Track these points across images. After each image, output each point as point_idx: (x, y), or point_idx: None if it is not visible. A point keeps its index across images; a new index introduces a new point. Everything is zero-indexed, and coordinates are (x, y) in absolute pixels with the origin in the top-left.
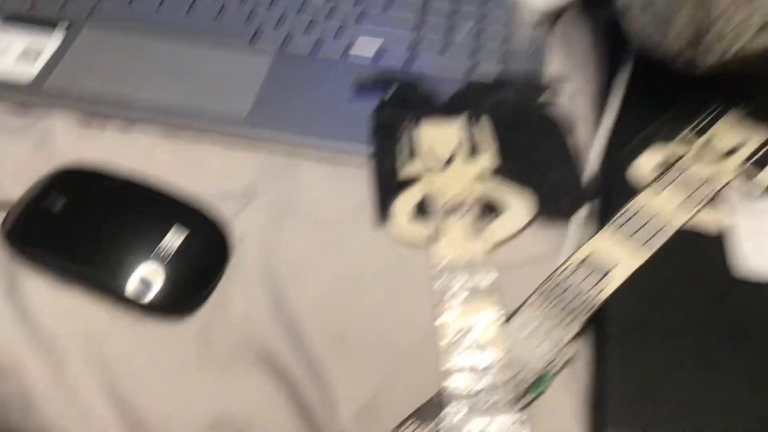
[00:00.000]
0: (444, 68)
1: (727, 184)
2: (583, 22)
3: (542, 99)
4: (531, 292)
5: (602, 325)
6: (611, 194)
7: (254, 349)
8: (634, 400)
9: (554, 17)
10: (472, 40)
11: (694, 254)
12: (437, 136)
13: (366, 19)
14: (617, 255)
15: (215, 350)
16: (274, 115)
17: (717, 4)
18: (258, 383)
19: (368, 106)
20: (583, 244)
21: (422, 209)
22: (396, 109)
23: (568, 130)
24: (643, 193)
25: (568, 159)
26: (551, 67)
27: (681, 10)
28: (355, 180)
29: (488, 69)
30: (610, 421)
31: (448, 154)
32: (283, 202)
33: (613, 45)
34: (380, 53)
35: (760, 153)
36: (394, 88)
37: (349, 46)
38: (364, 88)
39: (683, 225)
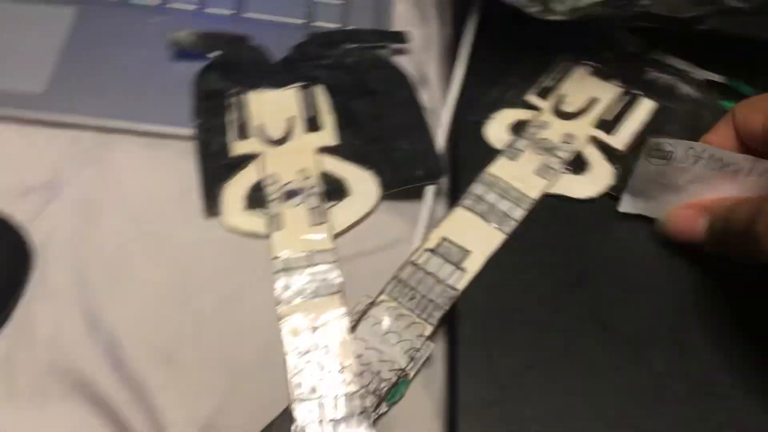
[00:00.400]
0: (279, 16)
1: (584, 144)
2: None
3: (390, 53)
4: (383, 285)
5: (456, 320)
6: (462, 166)
7: (68, 374)
8: (487, 405)
9: None
10: None
11: (556, 226)
12: (271, 107)
13: None
14: (471, 238)
15: (22, 379)
16: (77, 91)
17: None
18: (75, 413)
19: (191, 72)
20: (437, 226)
21: (257, 194)
22: (223, 74)
23: (418, 90)
24: (495, 163)
25: (418, 126)
26: (397, 14)
27: None
28: (178, 163)
29: (327, 18)
30: (461, 428)
31: (285, 128)
32: (94, 196)
33: None
34: (205, 1)
35: (612, 111)
36: (219, 48)
37: None
38: (184, 49)
39: (542, 194)
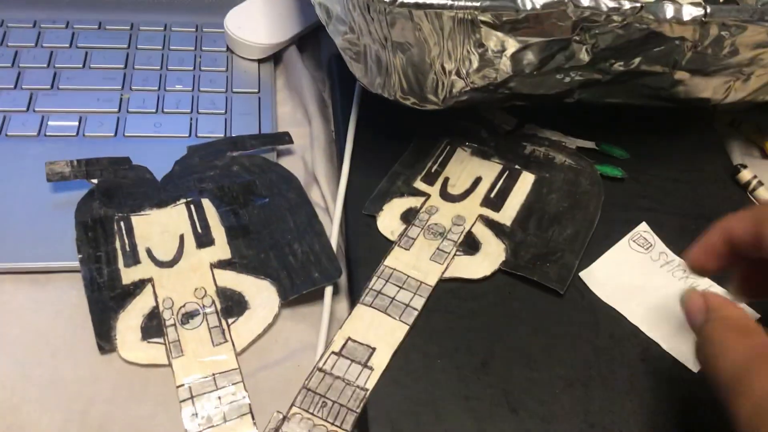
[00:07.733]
0: (160, 132)
1: (474, 224)
2: (308, 60)
3: (276, 156)
4: (293, 396)
5: (368, 423)
6: (359, 261)
7: None
8: None
9: (273, 57)
10: (188, 95)
11: (456, 309)
12: (159, 228)
13: (59, 89)
14: (375, 335)
15: None
16: None
17: (427, 56)
18: None
19: (73, 201)
20: (341, 327)
21: (154, 322)
22: (105, 201)
23: (308, 189)
24: (390, 254)
25: (310, 227)
26: (280, 115)
27: (394, 61)
28: (68, 298)
29: (210, 129)
30: None
31: (175, 247)
32: None
33: (342, 81)
34: (83, 125)
35: (496, 188)
36: (99, 174)
37: (44, 121)
38: (61, 179)
39: (439, 279)
